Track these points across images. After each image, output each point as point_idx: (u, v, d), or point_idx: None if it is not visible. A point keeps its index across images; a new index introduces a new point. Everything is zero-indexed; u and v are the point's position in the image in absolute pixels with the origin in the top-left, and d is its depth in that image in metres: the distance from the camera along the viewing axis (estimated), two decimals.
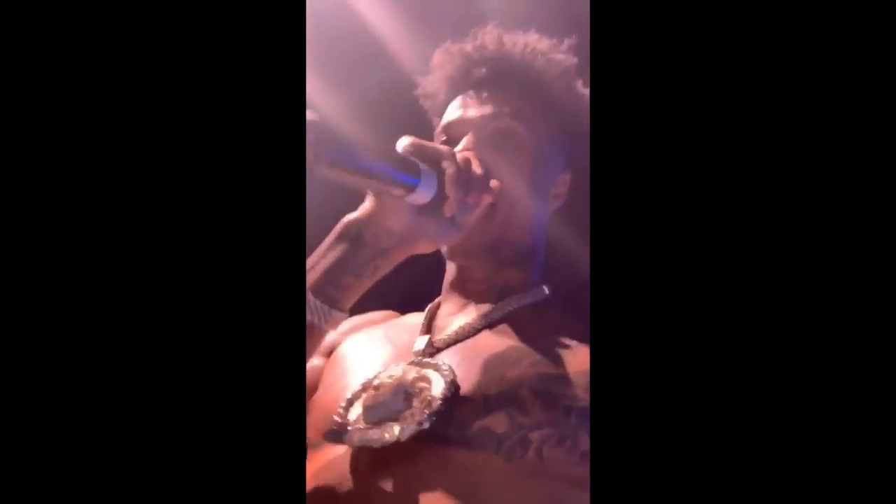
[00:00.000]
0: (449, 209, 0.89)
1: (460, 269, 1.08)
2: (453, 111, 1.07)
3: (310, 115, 0.83)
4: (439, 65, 1.12)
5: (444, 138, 1.05)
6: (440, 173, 0.88)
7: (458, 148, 0.98)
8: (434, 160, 0.89)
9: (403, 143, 0.89)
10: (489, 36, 1.09)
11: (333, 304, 0.88)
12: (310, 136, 0.81)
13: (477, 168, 0.92)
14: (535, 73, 1.07)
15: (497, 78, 1.07)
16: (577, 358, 0.92)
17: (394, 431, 0.85)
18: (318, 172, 0.86)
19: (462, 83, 1.10)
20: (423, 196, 0.89)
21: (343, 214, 0.94)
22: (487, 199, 0.94)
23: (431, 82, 1.15)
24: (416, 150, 0.89)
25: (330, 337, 0.99)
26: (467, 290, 1.07)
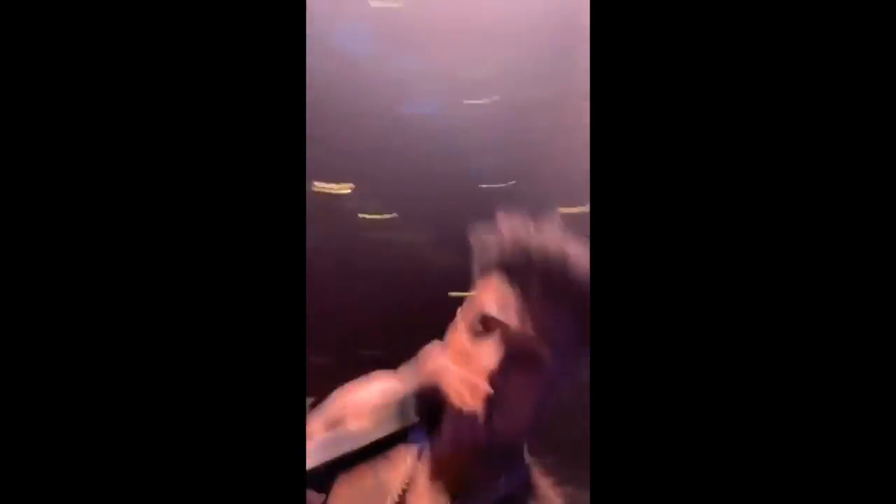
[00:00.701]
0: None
1: (438, 461, 1.11)
2: (492, 304, 1.05)
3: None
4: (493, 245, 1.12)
5: (481, 329, 1.05)
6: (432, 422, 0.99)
7: (485, 364, 1.01)
8: (434, 412, 0.99)
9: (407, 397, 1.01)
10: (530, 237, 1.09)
11: None
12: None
13: (481, 415, 0.98)
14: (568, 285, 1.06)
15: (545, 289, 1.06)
16: None
17: None
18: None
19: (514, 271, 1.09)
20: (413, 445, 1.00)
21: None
22: (480, 442, 1.02)
23: (486, 247, 1.13)
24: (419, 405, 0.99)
25: None
26: (441, 480, 1.11)
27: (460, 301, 1.11)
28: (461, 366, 1.02)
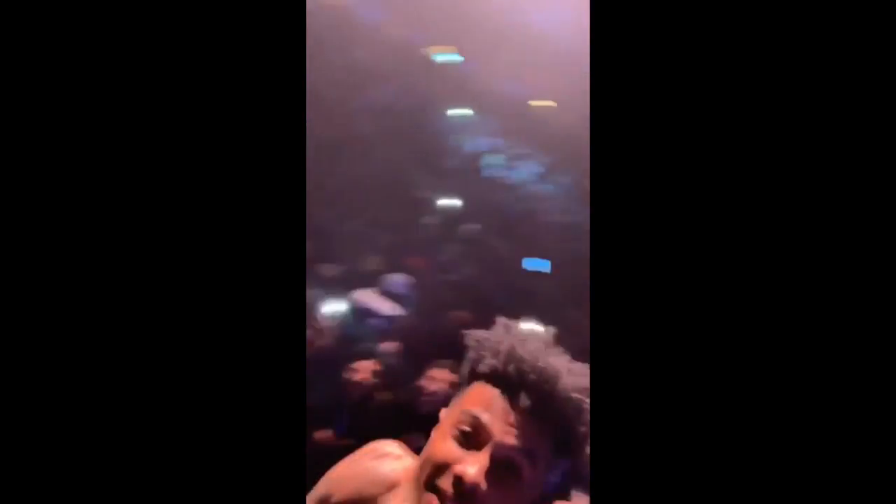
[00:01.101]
0: None
1: None
2: (480, 410, 1.06)
3: None
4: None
5: (468, 429, 1.06)
6: None
7: (469, 469, 1.02)
8: None
9: None
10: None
11: None
12: None
13: None
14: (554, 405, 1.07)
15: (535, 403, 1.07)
16: None
17: None
18: None
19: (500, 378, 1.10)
20: None
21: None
22: None
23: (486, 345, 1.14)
24: None
25: None
26: None
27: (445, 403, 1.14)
28: (443, 471, 1.03)
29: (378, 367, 3.97)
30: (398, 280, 5.04)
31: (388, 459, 1.23)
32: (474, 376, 1.10)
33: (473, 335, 1.12)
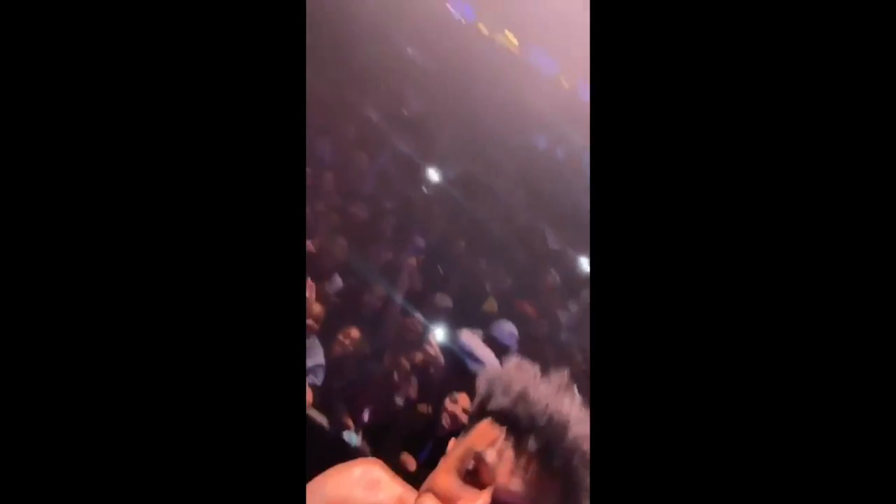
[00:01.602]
0: None
1: None
2: (487, 450, 1.06)
3: None
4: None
5: (471, 467, 1.06)
6: None
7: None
8: None
9: None
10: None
11: None
12: None
13: None
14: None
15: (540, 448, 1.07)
16: None
17: None
18: None
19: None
20: None
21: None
22: None
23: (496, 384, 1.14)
24: None
25: None
26: None
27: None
28: None
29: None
30: (507, 330, 5.02)
31: (381, 486, 1.22)
32: (484, 413, 1.09)
33: (487, 372, 1.12)
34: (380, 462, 1.28)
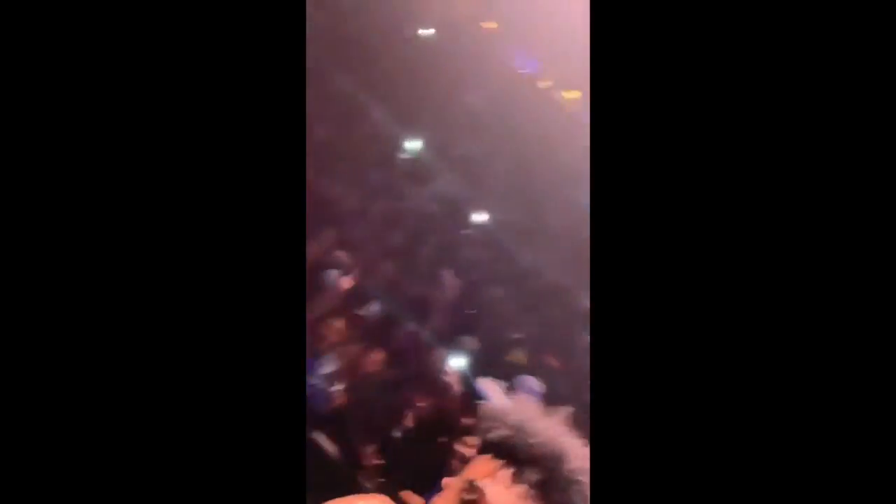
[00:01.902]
0: None
1: None
2: (488, 482, 1.09)
3: None
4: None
5: (470, 498, 1.09)
6: None
7: None
8: None
9: None
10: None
11: None
12: None
13: None
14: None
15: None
16: None
17: None
18: None
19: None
20: None
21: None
22: None
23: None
24: None
25: None
26: None
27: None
28: None
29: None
30: (531, 386, 4.94)
31: None
32: (484, 446, 1.12)
33: (487, 405, 1.17)
34: (387, 499, 1.27)
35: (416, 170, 6.76)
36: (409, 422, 4.21)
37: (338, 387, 4.09)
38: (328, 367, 4.13)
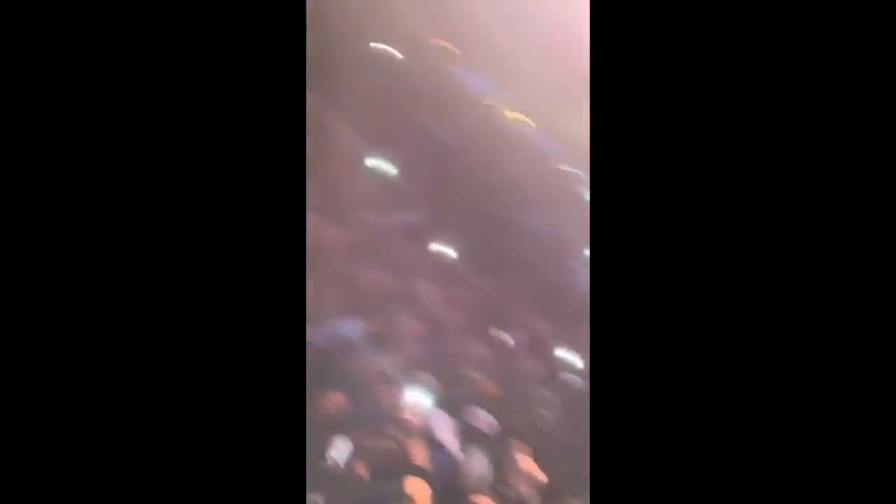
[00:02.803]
0: None
1: None
2: None
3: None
4: None
5: None
6: None
7: None
8: None
9: None
10: None
11: None
12: None
13: None
14: None
15: None
16: None
17: None
18: None
19: None
20: None
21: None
22: None
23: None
24: None
25: None
26: None
27: None
28: None
29: None
30: (483, 418, 4.86)
31: None
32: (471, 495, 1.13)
33: (470, 461, 1.17)
34: None
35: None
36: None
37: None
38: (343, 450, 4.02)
